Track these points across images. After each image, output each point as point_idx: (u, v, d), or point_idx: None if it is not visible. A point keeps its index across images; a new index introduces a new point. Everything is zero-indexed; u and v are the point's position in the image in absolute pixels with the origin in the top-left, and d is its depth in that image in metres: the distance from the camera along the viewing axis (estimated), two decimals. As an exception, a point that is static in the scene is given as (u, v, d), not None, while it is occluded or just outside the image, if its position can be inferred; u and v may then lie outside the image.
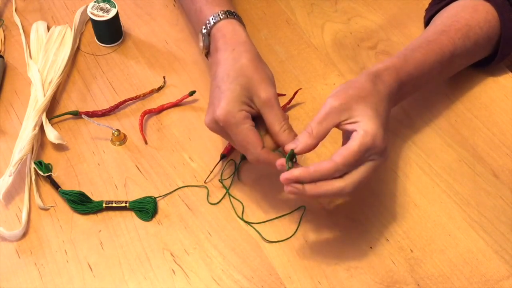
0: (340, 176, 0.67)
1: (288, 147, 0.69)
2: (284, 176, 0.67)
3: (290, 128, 0.73)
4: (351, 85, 0.71)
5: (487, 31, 0.84)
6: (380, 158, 0.69)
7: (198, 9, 0.83)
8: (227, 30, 0.78)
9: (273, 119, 0.72)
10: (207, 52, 0.81)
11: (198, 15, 0.83)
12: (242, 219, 0.78)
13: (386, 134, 0.69)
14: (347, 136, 0.70)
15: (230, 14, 0.80)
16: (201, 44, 0.81)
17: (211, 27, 0.79)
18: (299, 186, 0.67)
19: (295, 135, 0.72)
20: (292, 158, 0.69)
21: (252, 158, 0.72)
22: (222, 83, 0.73)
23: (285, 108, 0.88)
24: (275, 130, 0.72)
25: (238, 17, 0.80)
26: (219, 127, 0.73)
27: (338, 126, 0.69)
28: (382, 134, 0.68)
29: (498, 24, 0.84)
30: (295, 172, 0.66)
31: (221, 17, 0.79)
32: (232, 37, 0.77)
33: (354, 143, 0.66)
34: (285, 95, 0.89)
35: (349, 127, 0.68)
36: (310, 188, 0.67)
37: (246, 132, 0.71)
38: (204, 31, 0.80)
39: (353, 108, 0.69)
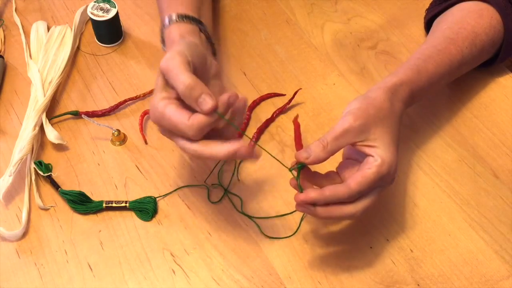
0: (351, 201, 0.67)
1: (300, 155, 0.68)
2: (299, 198, 0.66)
3: (194, 86, 0.64)
4: (370, 103, 0.70)
5: (492, 37, 0.84)
6: (388, 184, 0.70)
7: (161, 9, 0.82)
8: (175, 35, 0.76)
9: (174, 84, 0.65)
10: None
11: (161, 15, 0.81)
12: (242, 212, 0.78)
13: (397, 158, 0.69)
14: (355, 151, 0.70)
15: (187, 18, 0.77)
16: (162, 46, 0.80)
17: (162, 34, 0.79)
18: (312, 208, 0.67)
19: (203, 91, 0.64)
20: (302, 169, 0.69)
21: (182, 88, 0.63)
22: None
23: (285, 108, 0.88)
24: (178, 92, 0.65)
25: (195, 22, 0.78)
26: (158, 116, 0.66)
27: (353, 145, 0.69)
28: (396, 162, 0.68)
29: (502, 28, 0.84)
30: (312, 195, 0.66)
31: (176, 20, 0.77)
32: (170, 44, 0.76)
33: (371, 171, 0.66)
34: (285, 95, 0.89)
35: (366, 150, 0.68)
36: (322, 211, 0.67)
37: (169, 116, 0.64)
38: (162, 31, 0.79)
39: (371, 130, 0.68)
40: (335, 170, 0.72)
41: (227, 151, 0.65)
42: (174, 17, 0.77)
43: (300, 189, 0.68)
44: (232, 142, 0.65)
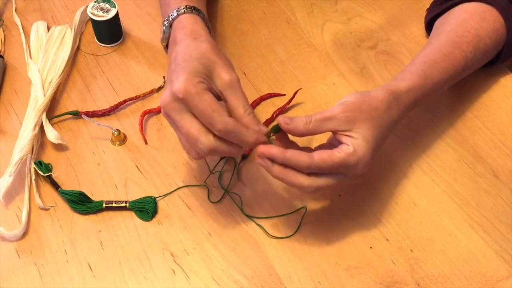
0: (308, 174, 0.68)
1: (283, 118, 0.68)
2: (261, 149, 0.67)
3: (254, 113, 0.70)
4: (366, 100, 0.70)
5: (496, 40, 0.84)
6: (354, 178, 0.70)
7: (166, 4, 0.83)
8: (187, 23, 0.77)
9: (237, 102, 0.70)
10: (166, 44, 0.81)
11: (166, 9, 0.82)
12: (243, 212, 0.78)
13: (372, 161, 0.69)
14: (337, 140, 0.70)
15: (195, 10, 0.79)
16: (161, 36, 0.81)
17: (173, 19, 0.79)
18: (269, 163, 0.68)
19: (259, 121, 0.70)
20: (277, 132, 0.70)
21: (220, 127, 0.66)
22: (182, 62, 0.70)
23: (285, 108, 0.88)
24: (239, 112, 0.69)
25: (202, 14, 0.80)
26: (177, 105, 0.67)
27: (334, 133, 0.70)
28: (368, 161, 0.69)
29: (505, 30, 0.84)
30: (273, 151, 0.67)
31: (184, 11, 0.78)
32: (191, 29, 0.76)
33: (339, 155, 0.67)
34: (285, 95, 0.89)
35: (343, 138, 0.69)
36: (276, 170, 0.68)
37: (210, 100, 0.67)
38: (165, 22, 0.80)
39: (357, 124, 0.69)
40: (313, 148, 0.72)
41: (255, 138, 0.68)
42: (182, 9, 0.79)
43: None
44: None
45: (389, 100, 0.72)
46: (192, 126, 0.68)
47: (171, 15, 0.79)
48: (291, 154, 0.66)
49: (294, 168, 0.67)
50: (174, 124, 0.70)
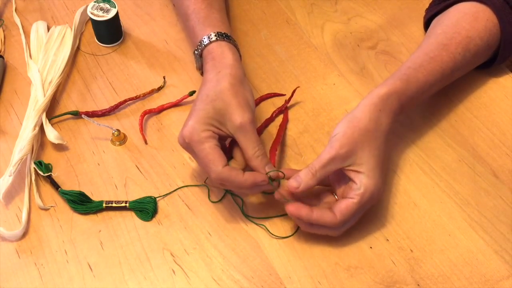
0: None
1: (291, 184, 0.71)
2: (290, 209, 0.71)
3: (263, 154, 0.73)
4: (356, 125, 0.72)
5: (487, 40, 0.84)
6: (374, 202, 0.74)
7: (191, 28, 0.85)
8: (216, 53, 0.79)
9: (246, 144, 0.73)
10: (202, 72, 0.84)
11: (191, 34, 0.85)
12: (243, 213, 0.78)
13: (383, 180, 0.73)
14: None
15: (221, 36, 0.81)
16: (196, 65, 0.85)
17: (202, 49, 0.81)
18: (298, 222, 0.73)
19: (268, 162, 0.74)
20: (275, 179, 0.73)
21: (214, 176, 0.71)
22: (199, 102, 0.75)
23: (285, 108, 0.88)
24: (248, 155, 0.73)
25: (228, 38, 0.81)
26: (186, 144, 0.73)
27: (341, 169, 0.72)
28: (380, 187, 0.72)
29: (498, 30, 0.84)
30: (301, 212, 0.70)
31: (211, 40, 0.80)
32: (220, 60, 0.79)
33: (354, 201, 0.70)
34: (285, 95, 0.89)
35: (351, 175, 0.71)
36: (305, 227, 0.73)
37: (208, 150, 0.71)
38: (196, 52, 0.82)
39: (358, 155, 0.71)
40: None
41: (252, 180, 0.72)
42: (213, 36, 0.81)
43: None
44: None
45: (375, 115, 0.73)
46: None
47: (200, 45, 0.81)
48: (316, 216, 0.70)
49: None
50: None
